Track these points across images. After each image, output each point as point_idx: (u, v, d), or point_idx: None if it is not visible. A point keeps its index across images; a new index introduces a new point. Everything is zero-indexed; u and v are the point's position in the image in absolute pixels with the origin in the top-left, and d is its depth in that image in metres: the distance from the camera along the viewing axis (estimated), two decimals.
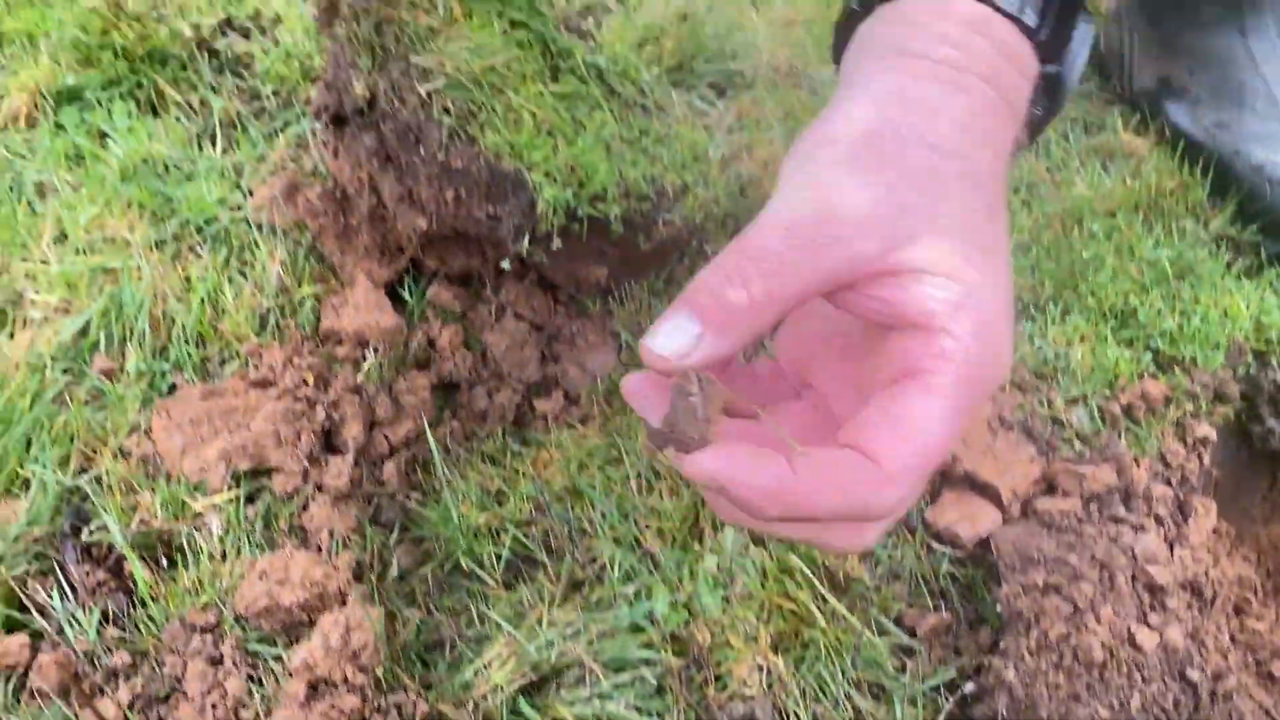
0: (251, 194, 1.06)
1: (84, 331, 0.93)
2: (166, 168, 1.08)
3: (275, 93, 1.18)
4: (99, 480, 0.84)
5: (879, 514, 0.48)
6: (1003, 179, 0.55)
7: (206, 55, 1.19)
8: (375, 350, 0.93)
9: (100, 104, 1.13)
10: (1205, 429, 0.99)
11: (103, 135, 1.10)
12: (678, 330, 0.48)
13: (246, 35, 1.24)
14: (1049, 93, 0.61)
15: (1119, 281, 1.09)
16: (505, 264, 0.95)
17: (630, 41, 1.29)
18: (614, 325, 1.00)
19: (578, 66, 1.00)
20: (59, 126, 1.11)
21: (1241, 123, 1.21)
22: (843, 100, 0.54)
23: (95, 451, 0.86)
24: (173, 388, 0.91)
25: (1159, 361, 1.04)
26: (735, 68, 1.28)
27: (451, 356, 0.95)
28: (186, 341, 0.94)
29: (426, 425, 0.90)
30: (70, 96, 1.13)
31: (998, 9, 0.56)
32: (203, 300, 0.96)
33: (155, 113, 1.14)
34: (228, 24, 1.24)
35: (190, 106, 1.15)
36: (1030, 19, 0.57)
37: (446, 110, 0.88)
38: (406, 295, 1.00)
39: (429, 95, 0.88)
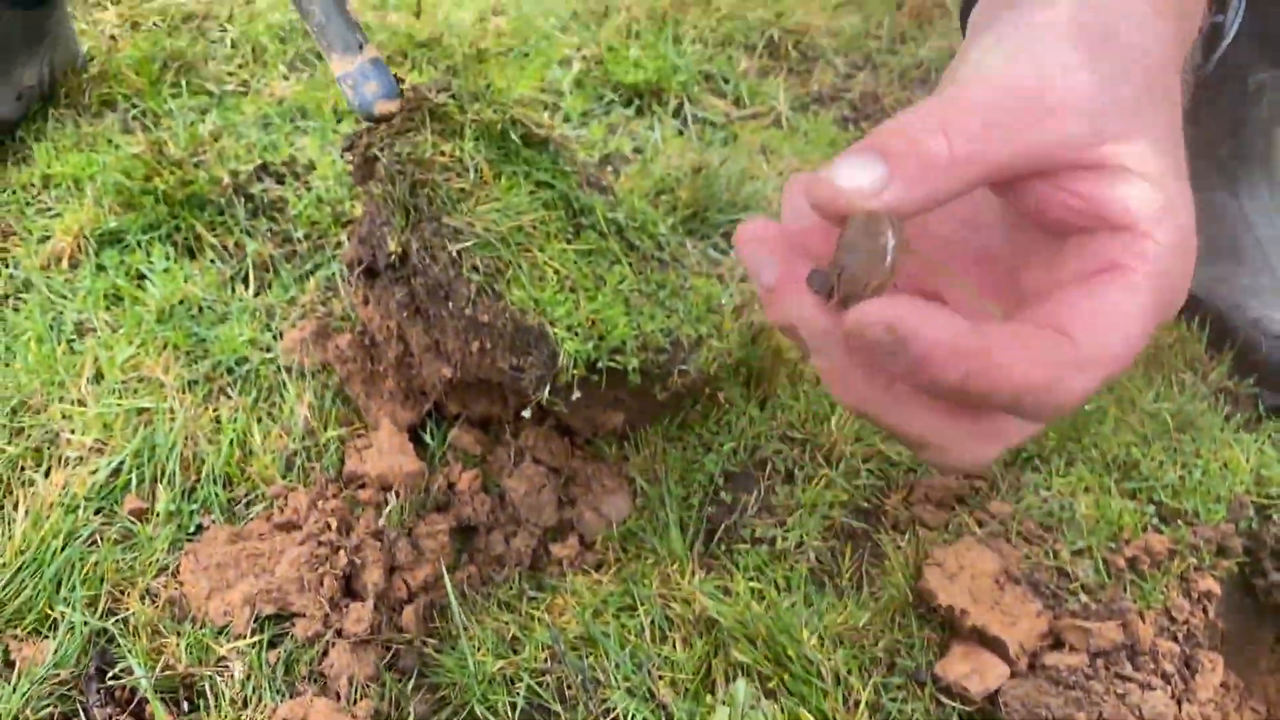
0: (281, 336, 1.10)
1: (116, 472, 0.96)
2: (201, 309, 1.13)
3: (307, 236, 1.23)
4: (126, 622, 0.86)
5: (1063, 400, 0.42)
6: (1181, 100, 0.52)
7: (242, 200, 1.25)
8: (397, 494, 0.96)
9: (140, 246, 1.18)
10: (1209, 583, 1.00)
11: (141, 276, 1.15)
12: (860, 167, 0.43)
13: (281, 180, 1.30)
14: (1204, 48, 0.58)
15: (1121, 433, 1.12)
16: (526, 412, 0.98)
17: (646, 191, 1.34)
18: (629, 471, 1.03)
19: (598, 222, 1.05)
20: (100, 268, 1.15)
21: (1237, 278, 1.25)
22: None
23: (123, 593, 0.88)
24: (199, 528, 0.94)
25: (1162, 514, 1.07)
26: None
27: (471, 500, 0.97)
28: (215, 482, 0.97)
29: (445, 570, 0.92)
30: (112, 239, 1.18)
31: None
32: (232, 442, 0.99)
33: (192, 255, 1.19)
34: (263, 169, 1.31)
35: (225, 249, 1.20)
36: None
37: (475, 268, 0.93)
38: (428, 438, 1.03)
39: (459, 253, 0.93)
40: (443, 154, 0.99)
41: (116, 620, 0.86)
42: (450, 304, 0.92)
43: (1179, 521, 1.06)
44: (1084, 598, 0.98)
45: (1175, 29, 0.50)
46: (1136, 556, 1.01)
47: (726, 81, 1.61)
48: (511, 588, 0.94)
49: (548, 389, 0.94)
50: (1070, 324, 0.42)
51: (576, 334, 0.93)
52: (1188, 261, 0.46)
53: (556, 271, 0.96)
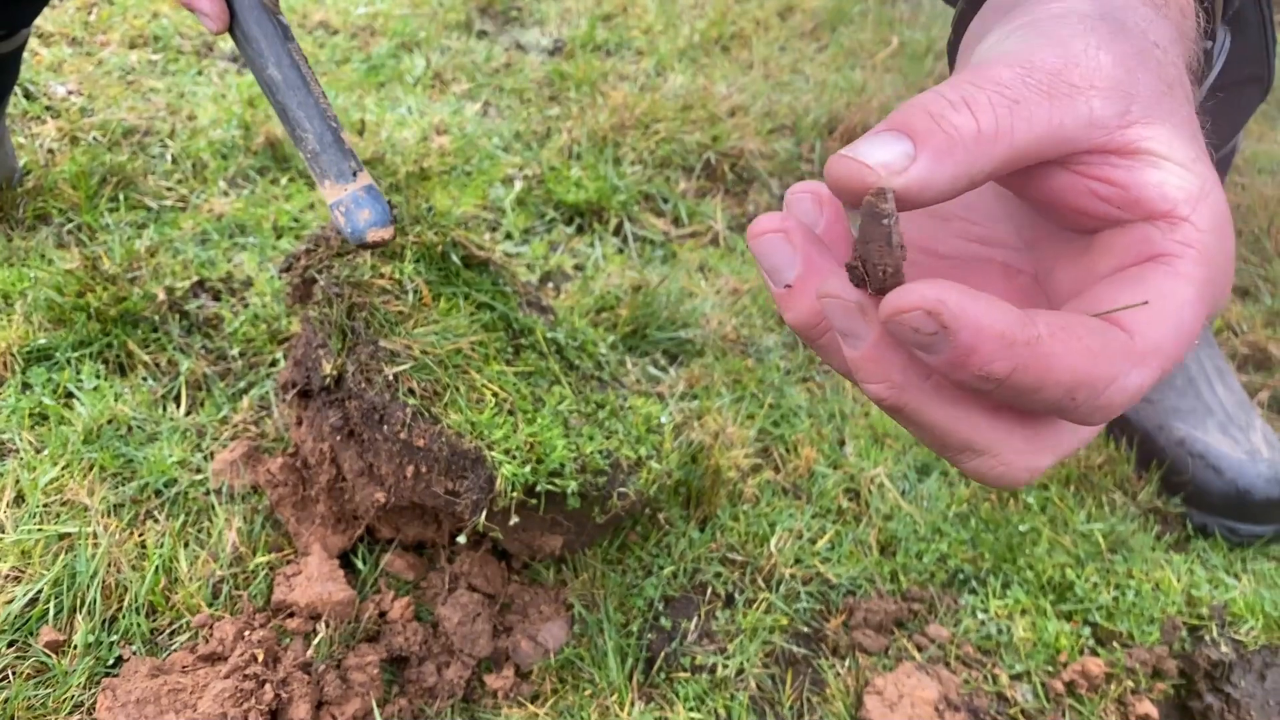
0: (212, 457, 1.08)
1: (33, 601, 0.92)
2: (130, 429, 1.10)
3: (242, 354, 1.22)
4: None
5: (1118, 398, 0.38)
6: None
7: (177, 316, 1.23)
8: (327, 624, 0.93)
9: (70, 364, 1.15)
10: (1147, 706, 1.01)
11: (69, 395, 1.13)
12: (885, 146, 0.39)
13: (217, 297, 1.29)
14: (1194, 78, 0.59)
15: (1055, 554, 1.13)
16: (462, 538, 0.96)
17: (587, 309, 1.35)
18: (567, 596, 1.02)
19: (538, 343, 1.06)
20: (26, 385, 1.13)
21: (1163, 398, 1.29)
22: None
23: None
24: (119, 660, 0.90)
25: (1098, 636, 1.07)
26: (686, 336, 1.35)
27: (403, 630, 0.95)
28: (137, 611, 0.93)
29: (375, 705, 0.89)
30: (41, 356, 1.16)
31: None
32: (157, 569, 0.96)
33: (123, 373, 1.17)
34: (200, 285, 1.29)
35: (158, 366, 1.18)
36: None
37: (412, 391, 0.92)
38: (360, 563, 1.01)
39: (395, 376, 0.92)
40: (382, 276, 0.99)
41: None
42: (385, 427, 0.91)
43: (1114, 643, 1.06)
44: None
45: (1177, 34, 0.49)
46: (1074, 680, 1.01)
47: (665, 201, 1.64)
48: None
49: (484, 514, 0.93)
50: (1121, 316, 0.39)
51: (514, 457, 0.93)
52: (1229, 247, 0.43)
53: (495, 394, 0.96)
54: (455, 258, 1.04)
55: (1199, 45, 0.53)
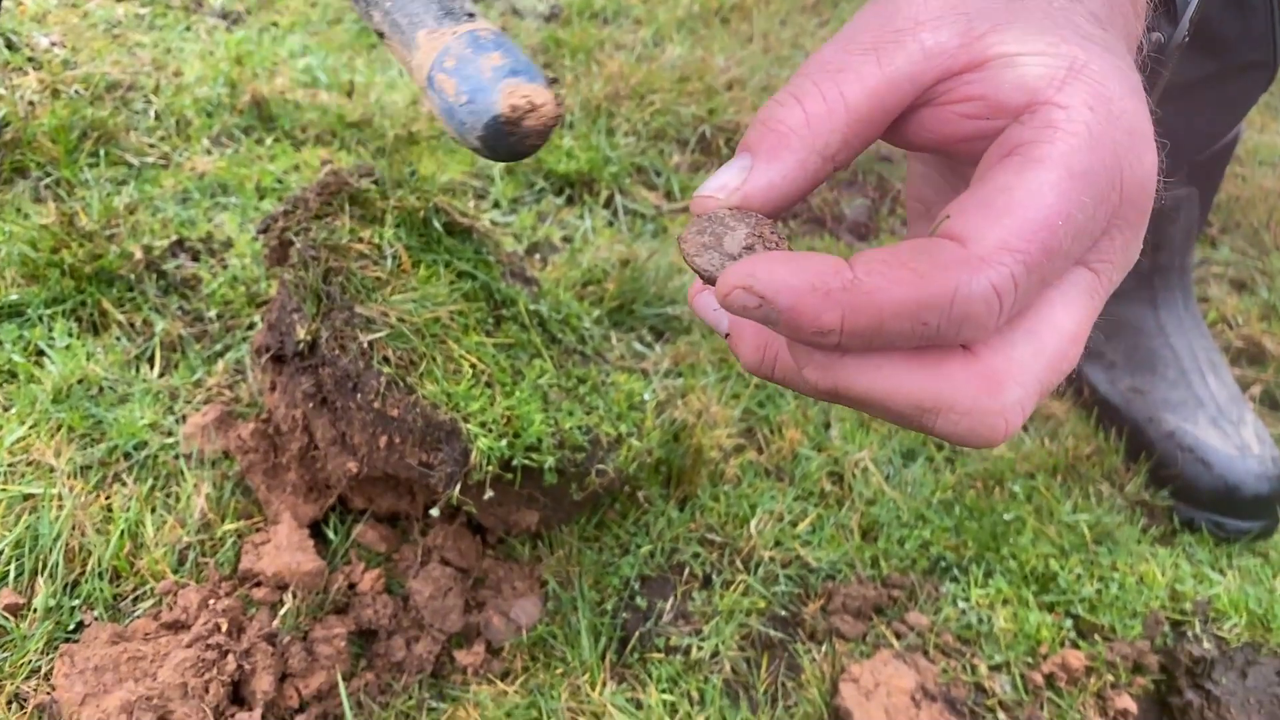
0: (184, 420, 1.06)
1: None
2: (101, 389, 1.08)
3: (219, 316, 1.19)
4: None
5: (972, 307, 0.36)
6: (1126, 36, 0.47)
7: (154, 276, 1.21)
8: (294, 594, 0.91)
9: (41, 321, 1.13)
10: (1126, 701, 0.99)
11: (40, 353, 1.10)
12: (726, 169, 0.41)
13: (196, 258, 1.26)
14: (1168, 14, 0.54)
15: (1039, 544, 1.11)
16: (435, 510, 0.94)
17: (573, 282, 1.33)
18: (542, 573, 1.00)
19: (520, 314, 1.03)
20: None
21: (1154, 389, 1.27)
22: None
23: None
24: (80, 626, 0.88)
25: (1079, 628, 1.06)
26: (673, 312, 1.33)
27: (372, 602, 0.93)
28: (100, 576, 0.91)
29: (340, 678, 0.87)
30: (12, 312, 1.13)
31: None
32: (122, 533, 0.94)
33: (96, 332, 1.15)
34: (179, 245, 1.27)
35: (132, 326, 1.15)
36: None
37: (386, 359, 0.90)
38: (331, 533, 0.99)
39: (370, 344, 0.90)
40: (360, 240, 0.97)
41: None
42: (359, 396, 0.89)
43: (1096, 636, 1.05)
44: (1002, 715, 0.96)
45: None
46: (1054, 673, 1.00)
47: (658, 174, 1.61)
48: (411, 698, 0.89)
49: (458, 487, 0.91)
50: (958, 224, 0.37)
51: (491, 430, 0.90)
52: (1119, 118, 0.40)
53: (473, 365, 0.94)
54: (437, 224, 1.01)
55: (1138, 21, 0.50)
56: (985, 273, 0.36)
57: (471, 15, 0.57)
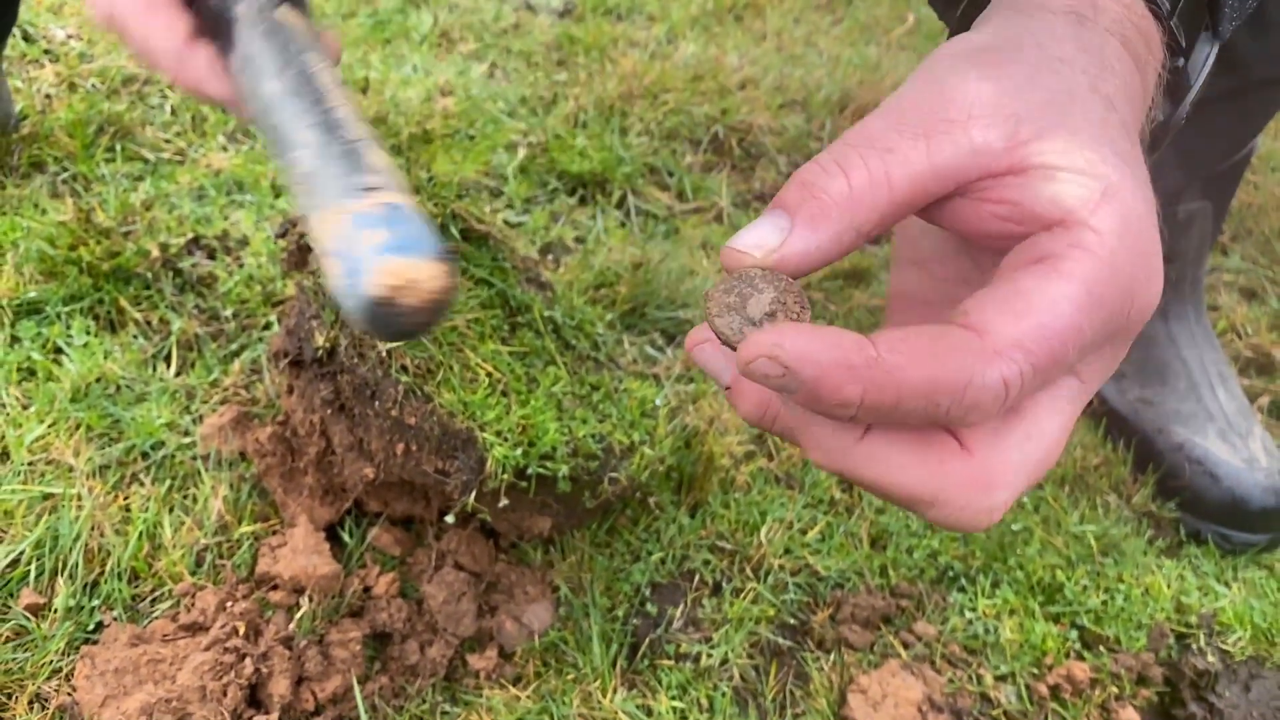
0: (201, 420, 1.07)
1: (15, 563, 0.91)
2: (119, 388, 1.09)
3: (235, 315, 1.20)
4: None
5: (983, 396, 0.38)
6: (1137, 125, 0.49)
7: (171, 274, 1.21)
8: (310, 598, 0.92)
9: (59, 319, 1.14)
10: (1130, 713, 1.00)
11: (58, 351, 1.11)
12: (762, 226, 0.42)
13: (212, 255, 1.27)
14: (1170, 93, 0.55)
15: (1046, 555, 1.12)
16: (450, 517, 0.95)
17: (586, 285, 1.34)
18: (554, 578, 1.01)
19: (535, 321, 1.04)
20: (15, 339, 1.11)
21: (1164, 401, 1.28)
22: (973, 29, 0.48)
23: (11, 697, 0.83)
24: (99, 626, 0.90)
25: (1085, 639, 1.07)
26: (684, 316, 1.34)
27: (387, 606, 0.94)
28: (119, 577, 0.92)
29: (355, 681, 0.88)
30: (30, 310, 1.14)
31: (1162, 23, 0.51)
32: (141, 534, 0.95)
33: (113, 330, 1.15)
34: (195, 243, 1.28)
35: (149, 325, 1.16)
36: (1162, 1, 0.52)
37: (404, 368, 0.91)
38: (346, 536, 1.00)
39: (388, 352, 0.91)
40: None
41: None
42: (376, 403, 0.90)
43: (1101, 648, 1.06)
44: None
45: (1116, 41, 0.48)
46: (1059, 684, 1.01)
47: (671, 175, 1.61)
48: (425, 701, 0.91)
49: (473, 494, 0.92)
50: (979, 315, 0.40)
51: (506, 439, 0.91)
52: (1147, 251, 0.42)
53: (489, 373, 0.95)
54: (455, 231, 1.02)
55: (1165, 65, 0.53)
56: (998, 366, 0.38)
57: (372, 189, 0.55)
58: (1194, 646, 1.07)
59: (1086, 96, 0.45)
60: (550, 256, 1.41)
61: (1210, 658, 1.06)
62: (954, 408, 0.38)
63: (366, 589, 0.96)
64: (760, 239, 0.42)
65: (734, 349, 0.41)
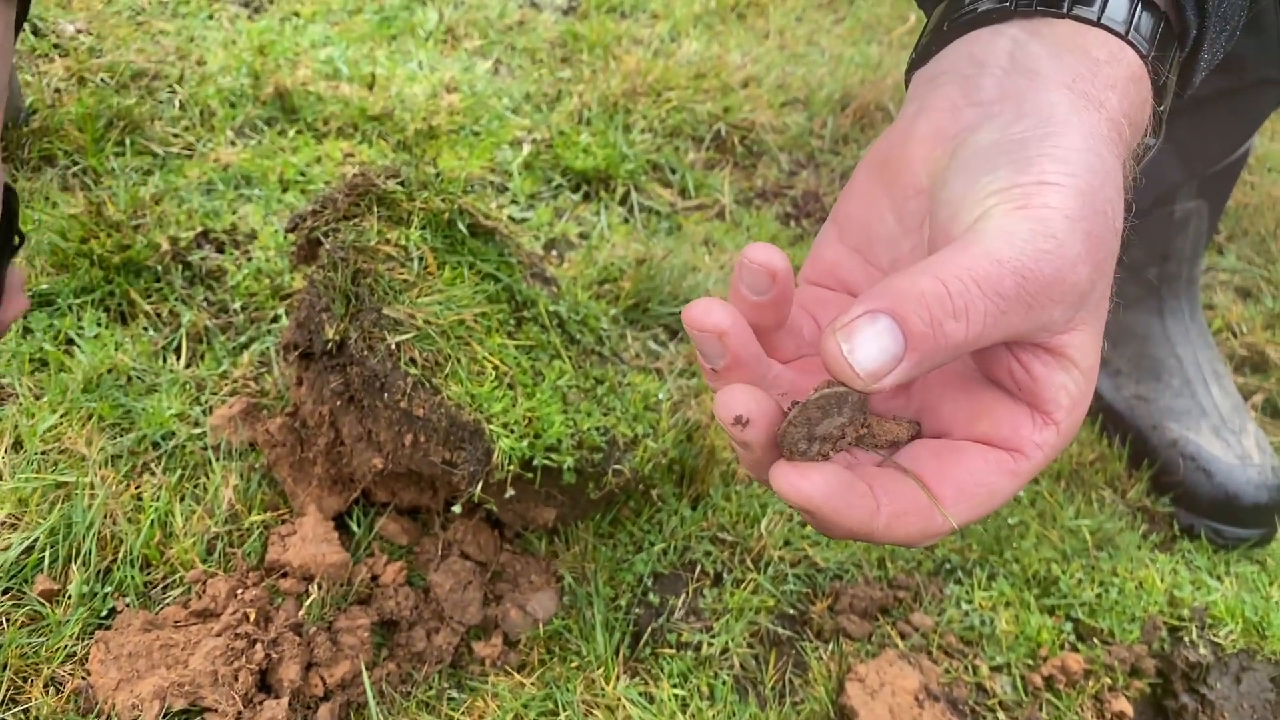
0: (211, 411, 1.08)
1: (29, 550, 0.93)
2: (130, 379, 1.10)
3: (244, 307, 1.22)
4: (26, 714, 0.83)
5: (920, 544, 0.51)
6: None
7: (180, 267, 1.23)
8: (319, 585, 0.94)
9: (71, 310, 1.15)
10: (1122, 704, 1.02)
11: (69, 342, 1.13)
12: (879, 346, 0.43)
13: (221, 249, 1.28)
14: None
15: (1042, 549, 1.14)
16: (456, 507, 0.97)
17: (590, 280, 1.35)
18: (558, 568, 1.03)
19: (540, 315, 1.06)
20: (27, 330, 1.13)
21: (1159, 397, 1.29)
22: (1048, 133, 0.50)
23: (27, 680, 0.85)
24: (113, 612, 0.91)
25: (1079, 631, 1.09)
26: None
27: (394, 594, 0.96)
28: (132, 564, 0.94)
29: (364, 668, 0.90)
30: (42, 301, 1.16)
31: (1152, 70, 0.55)
32: (153, 522, 0.96)
33: (124, 321, 1.17)
34: (204, 236, 1.29)
35: (159, 317, 1.18)
36: (1165, 85, 0.56)
37: (413, 360, 0.92)
38: (354, 525, 1.02)
39: (398, 345, 0.93)
40: (388, 242, 0.99)
41: (16, 711, 0.83)
42: (385, 395, 0.92)
43: (1095, 640, 1.08)
44: (1002, 716, 0.99)
45: (1127, 178, 0.53)
46: (1053, 675, 1.03)
47: (674, 172, 1.63)
48: (431, 688, 0.92)
49: (480, 485, 0.93)
50: (951, 498, 0.49)
51: (513, 431, 0.93)
52: (1068, 444, 0.54)
53: (496, 366, 0.96)
54: (461, 226, 1.04)
55: (1142, 146, 0.57)
56: (943, 533, 0.50)
57: None
58: (1186, 639, 1.09)
59: (1110, 278, 0.50)
60: (554, 252, 1.43)
61: (1202, 650, 1.08)
62: (905, 542, 0.51)
63: (374, 577, 0.97)
64: (876, 367, 0.43)
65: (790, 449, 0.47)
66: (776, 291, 0.51)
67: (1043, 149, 0.49)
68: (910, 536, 0.49)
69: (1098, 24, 0.54)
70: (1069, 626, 1.08)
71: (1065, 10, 0.55)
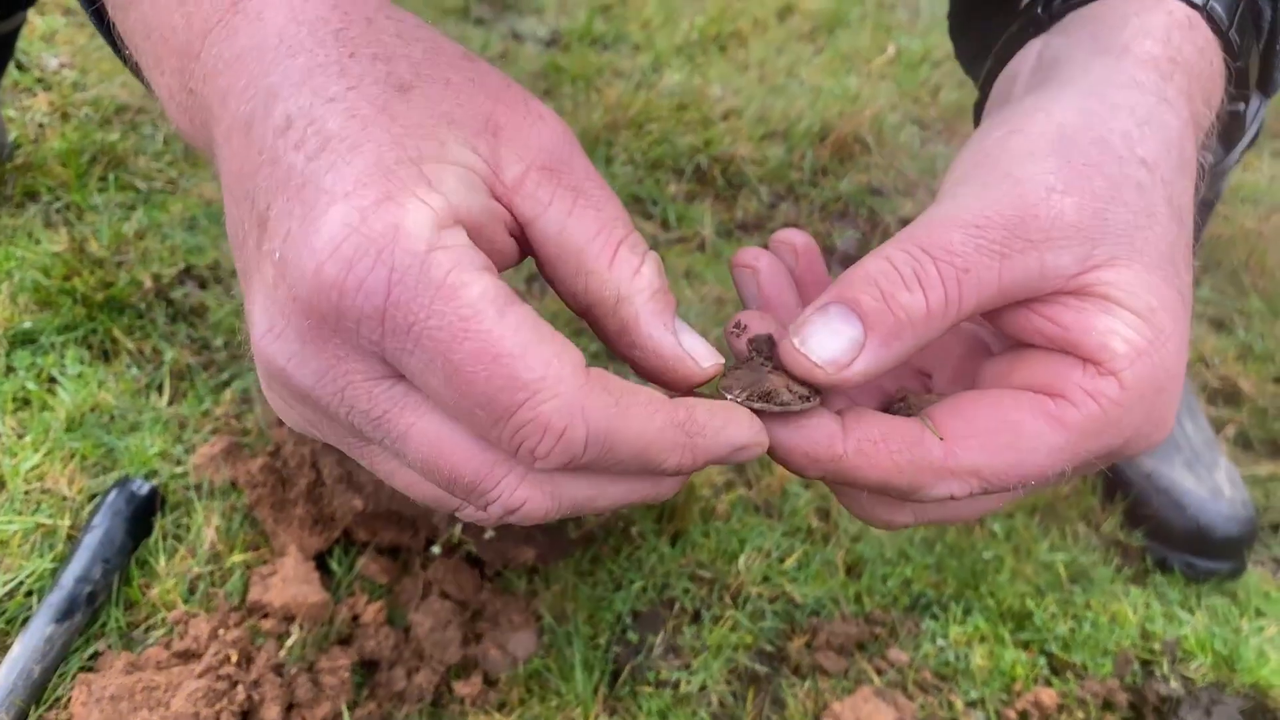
0: (193, 450, 1.09)
1: (12, 593, 0.93)
2: (113, 417, 1.11)
3: (225, 344, 1.22)
4: None
5: (927, 501, 0.44)
6: (1192, 206, 0.48)
7: (163, 304, 1.24)
8: (300, 626, 0.95)
9: (54, 348, 1.16)
10: None
11: (52, 380, 1.13)
12: (831, 332, 0.42)
13: (203, 285, 1.29)
14: (1223, 137, 0.56)
15: (1017, 583, 1.16)
16: (435, 548, 0.98)
17: (570, 315, 1.36)
18: (538, 607, 1.03)
19: None
20: (10, 369, 1.13)
21: None
22: (1038, 101, 0.47)
23: None
24: (95, 653, 0.92)
25: (1053, 665, 1.10)
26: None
27: (375, 634, 0.97)
28: (115, 605, 0.95)
29: (344, 708, 0.91)
30: (25, 339, 1.16)
31: (1207, 13, 0.51)
32: (134, 563, 0.97)
33: (107, 359, 1.18)
34: (186, 273, 1.30)
35: (142, 355, 1.19)
36: (1234, 39, 0.52)
37: None
38: (335, 565, 1.02)
39: None
40: None
41: None
42: None
43: (1069, 674, 1.09)
44: None
45: (1188, 118, 0.48)
46: (1027, 710, 1.04)
47: (655, 204, 1.65)
48: None
49: (459, 526, 0.94)
50: (959, 431, 0.43)
51: None
52: (1162, 410, 0.44)
53: None
54: None
55: (1225, 110, 0.53)
56: (950, 484, 0.43)
57: None
58: (1158, 673, 1.11)
59: (1165, 217, 0.44)
60: (535, 285, 1.44)
61: (1173, 683, 1.09)
62: (900, 495, 0.44)
63: (355, 617, 0.98)
64: (836, 355, 0.42)
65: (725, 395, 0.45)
66: (803, 265, 0.53)
67: (1024, 103, 0.48)
68: (898, 468, 0.43)
69: None
70: (1043, 661, 1.10)
71: None
